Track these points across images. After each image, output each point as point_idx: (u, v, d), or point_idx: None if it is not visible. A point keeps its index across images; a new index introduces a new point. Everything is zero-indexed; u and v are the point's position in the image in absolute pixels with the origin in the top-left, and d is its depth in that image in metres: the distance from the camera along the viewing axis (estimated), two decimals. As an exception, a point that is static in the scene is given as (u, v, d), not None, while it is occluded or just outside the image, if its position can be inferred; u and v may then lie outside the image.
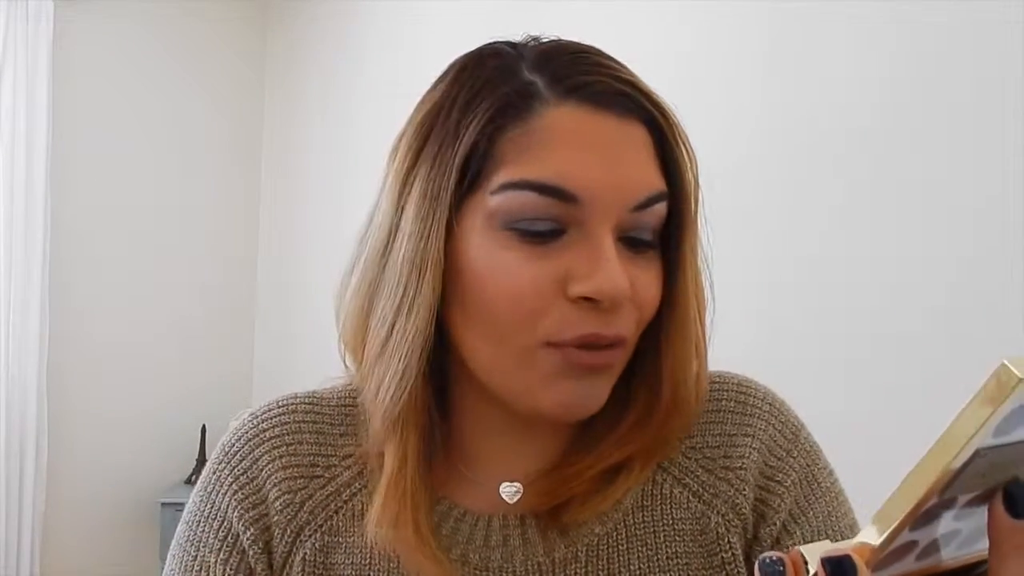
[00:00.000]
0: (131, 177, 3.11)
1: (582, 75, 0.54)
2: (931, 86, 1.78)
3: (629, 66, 0.58)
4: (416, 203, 0.54)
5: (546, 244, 0.52)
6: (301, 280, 3.26)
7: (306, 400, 0.64)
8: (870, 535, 0.32)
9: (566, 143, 0.52)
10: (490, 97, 0.53)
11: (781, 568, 0.33)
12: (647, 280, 0.54)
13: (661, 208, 0.55)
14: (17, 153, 2.77)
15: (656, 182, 0.54)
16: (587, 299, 0.51)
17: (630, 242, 0.54)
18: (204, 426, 3.08)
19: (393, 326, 0.55)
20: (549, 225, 0.52)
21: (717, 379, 0.64)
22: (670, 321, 0.57)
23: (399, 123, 0.60)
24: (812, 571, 0.32)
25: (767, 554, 0.34)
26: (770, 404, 0.63)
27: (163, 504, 2.88)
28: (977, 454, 0.30)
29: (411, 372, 0.54)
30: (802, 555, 0.33)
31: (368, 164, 0.61)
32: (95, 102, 3.04)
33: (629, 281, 0.52)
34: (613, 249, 0.52)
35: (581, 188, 0.51)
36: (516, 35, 0.59)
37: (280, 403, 0.64)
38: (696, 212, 0.58)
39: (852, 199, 1.89)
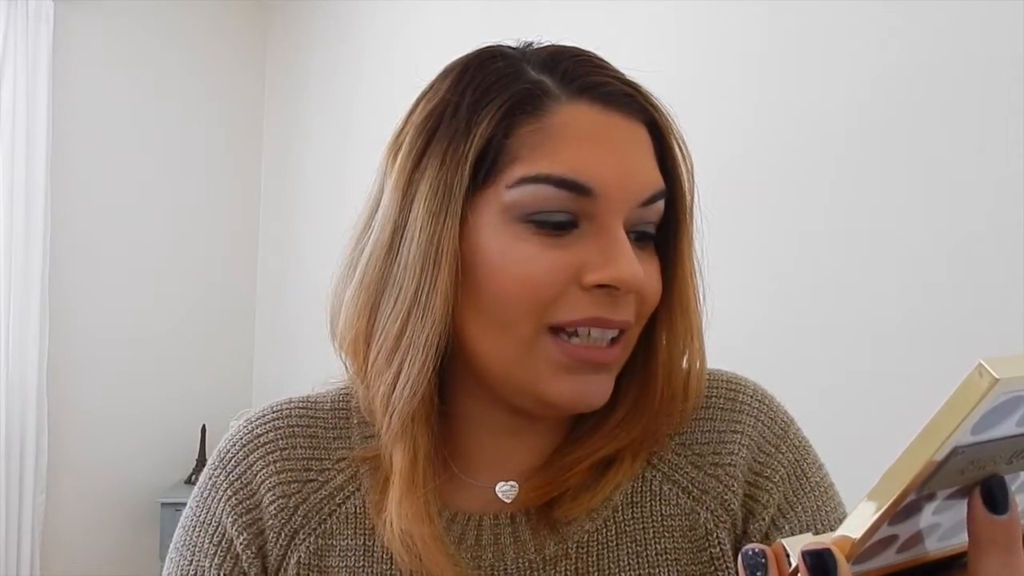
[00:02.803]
0: (131, 177, 3.11)
1: (591, 76, 0.56)
2: (929, 85, 1.78)
3: (625, 68, 0.59)
4: (426, 200, 0.54)
5: (561, 236, 0.54)
6: (301, 280, 3.26)
7: (300, 404, 0.65)
8: (850, 528, 0.32)
9: (580, 139, 0.54)
10: (501, 95, 0.55)
11: (763, 560, 0.33)
12: (651, 273, 0.56)
13: (661, 206, 0.57)
14: (17, 153, 2.77)
15: (658, 180, 0.56)
16: (601, 287, 0.53)
17: (637, 236, 0.56)
18: (204, 426, 3.08)
19: (407, 323, 0.54)
20: (565, 216, 0.54)
21: (707, 376, 0.64)
22: (667, 315, 0.59)
23: (403, 117, 0.60)
24: (793, 564, 0.33)
25: (749, 546, 0.34)
26: (759, 400, 0.64)
27: (163, 504, 2.88)
28: (955, 452, 0.31)
29: (428, 367, 0.54)
30: (784, 548, 0.33)
31: (368, 163, 0.61)
32: (95, 102, 3.04)
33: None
34: (625, 240, 0.54)
35: (596, 182, 0.53)
36: (513, 35, 0.61)
37: (274, 408, 0.65)
38: (692, 210, 0.60)
39: (849, 198, 1.89)
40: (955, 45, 1.75)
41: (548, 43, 0.60)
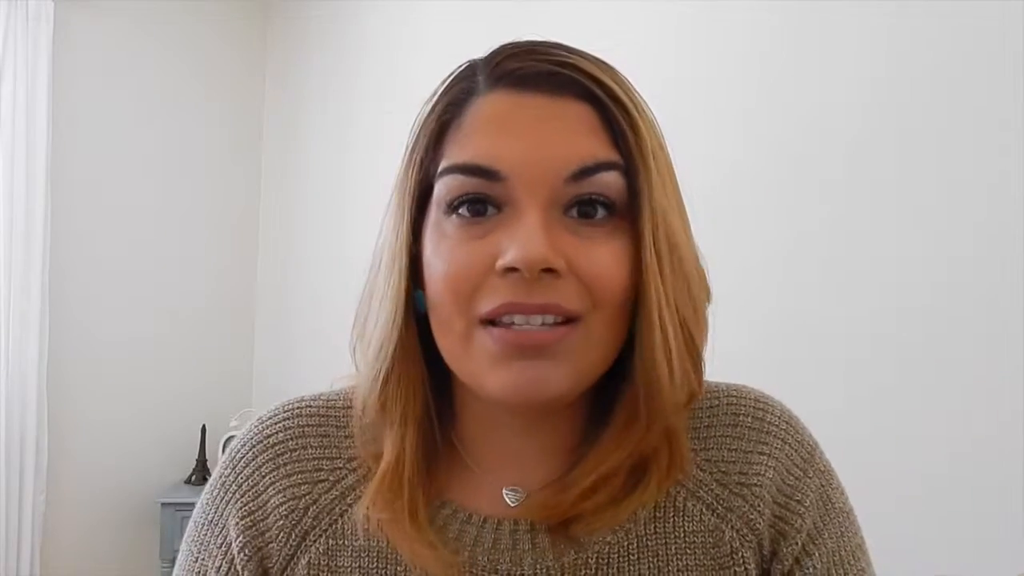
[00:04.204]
0: (131, 177, 3.11)
1: (512, 63, 0.56)
2: (930, 86, 1.78)
3: (623, 68, 0.59)
4: (393, 210, 0.59)
5: (481, 225, 0.54)
6: (301, 280, 3.26)
7: (312, 403, 0.65)
8: None
9: (487, 125, 0.55)
10: (443, 102, 0.58)
11: None
12: (600, 253, 0.53)
13: (611, 178, 0.54)
14: (17, 153, 2.76)
15: (597, 152, 0.54)
16: (513, 270, 0.52)
17: (583, 215, 0.54)
18: (204, 426, 3.08)
19: (377, 318, 0.58)
20: (481, 203, 0.54)
21: (735, 393, 0.64)
22: (639, 302, 0.54)
23: (398, 123, 0.61)
24: None
25: None
26: (787, 423, 0.63)
27: (163, 504, 2.88)
28: None
29: (385, 360, 0.56)
30: None
31: (368, 164, 0.62)
32: (95, 102, 3.04)
33: (559, 251, 0.52)
34: (535, 219, 0.52)
35: (501, 163, 0.53)
36: (511, 35, 0.61)
37: (286, 407, 0.65)
38: (651, 185, 0.54)
39: (851, 199, 1.89)
40: (955, 44, 1.75)
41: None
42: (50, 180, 2.83)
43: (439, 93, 0.59)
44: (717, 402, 0.63)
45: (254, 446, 0.63)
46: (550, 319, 0.52)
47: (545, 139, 0.53)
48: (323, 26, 3.28)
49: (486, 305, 0.53)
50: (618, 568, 0.58)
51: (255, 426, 0.64)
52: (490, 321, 0.53)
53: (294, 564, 0.60)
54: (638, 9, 2.27)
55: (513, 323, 0.52)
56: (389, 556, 0.59)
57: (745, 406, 0.63)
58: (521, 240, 0.51)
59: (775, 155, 2.01)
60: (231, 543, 0.61)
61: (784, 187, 1.99)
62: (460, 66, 0.60)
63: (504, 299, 0.52)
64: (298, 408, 0.64)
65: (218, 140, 3.37)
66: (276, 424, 0.64)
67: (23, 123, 2.77)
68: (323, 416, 0.64)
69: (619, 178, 0.54)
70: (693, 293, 0.56)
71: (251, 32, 3.47)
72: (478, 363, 0.54)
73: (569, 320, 0.53)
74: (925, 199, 1.78)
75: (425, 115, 0.58)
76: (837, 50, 1.92)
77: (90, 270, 3.02)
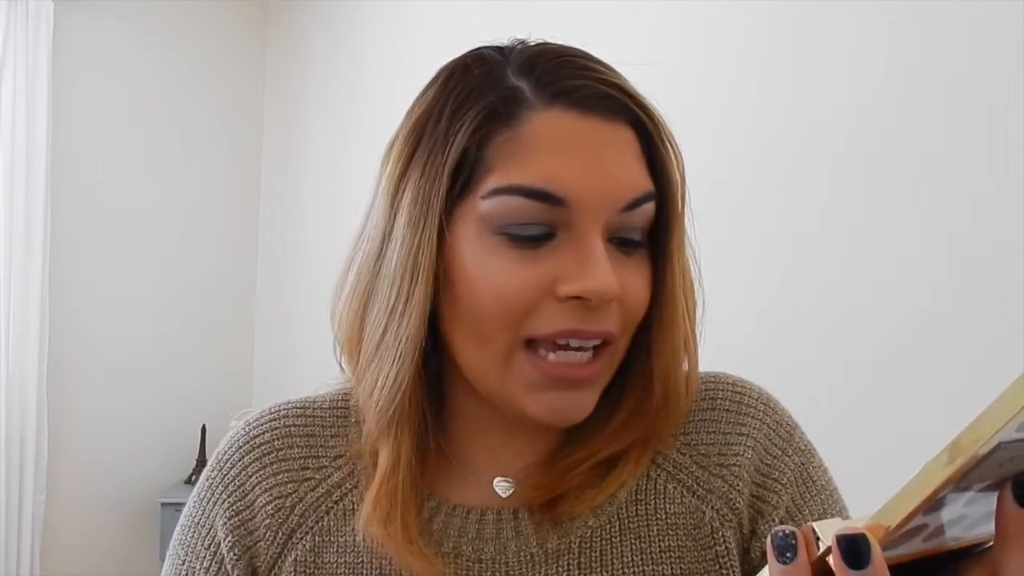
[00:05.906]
0: (131, 177, 3.12)
1: (568, 79, 0.54)
2: (929, 85, 1.78)
3: (624, 67, 0.59)
4: (408, 210, 0.55)
5: (536, 248, 0.53)
6: (301, 280, 3.26)
7: (298, 405, 0.66)
8: (884, 516, 0.33)
9: (553, 148, 0.53)
10: (478, 104, 0.54)
11: (793, 542, 0.34)
12: (636, 282, 0.56)
13: (649, 208, 0.56)
14: (17, 153, 2.77)
15: (644, 183, 0.55)
16: (576, 298, 0.53)
17: (620, 243, 0.55)
18: (204, 426, 3.08)
19: (387, 329, 0.56)
20: (539, 230, 0.53)
21: (713, 379, 0.65)
22: (658, 318, 0.58)
23: (399, 123, 0.60)
24: (825, 546, 0.33)
25: (779, 528, 0.35)
26: (764, 404, 0.64)
27: (163, 504, 2.88)
28: (999, 447, 0.31)
29: (404, 374, 0.55)
30: (813, 530, 0.34)
31: (368, 164, 0.62)
32: (95, 102, 3.04)
33: (619, 282, 0.53)
34: (603, 250, 0.53)
35: (569, 191, 0.52)
36: (514, 33, 0.60)
37: (272, 410, 0.66)
38: (683, 210, 0.58)
39: (850, 199, 1.89)
40: (954, 45, 1.75)
41: (536, 42, 0.58)
42: (50, 180, 2.83)
43: (465, 92, 0.55)
44: (696, 389, 0.65)
45: (240, 447, 0.64)
46: (594, 342, 0.54)
47: (606, 167, 0.53)
48: (323, 26, 3.28)
49: (541, 328, 0.53)
50: (601, 551, 0.59)
51: (241, 428, 0.65)
52: (536, 343, 0.54)
53: (281, 562, 0.61)
54: (639, 7, 2.27)
55: (568, 345, 0.54)
56: (375, 551, 0.59)
57: (723, 390, 0.64)
58: (593, 271, 0.52)
59: (776, 154, 2.01)
60: (220, 543, 0.61)
61: (785, 186, 1.99)
62: (475, 59, 0.57)
63: (564, 325, 0.53)
64: (284, 410, 0.65)
65: (218, 140, 3.37)
66: (262, 425, 0.64)
67: (23, 123, 2.77)
68: (309, 417, 0.65)
69: (653, 207, 0.56)
70: (695, 300, 0.60)
71: (251, 32, 3.47)
72: (513, 385, 0.55)
73: (604, 344, 0.55)
74: (926, 198, 1.78)
75: (449, 113, 0.55)
76: (838, 49, 1.92)
77: (90, 270, 3.02)
